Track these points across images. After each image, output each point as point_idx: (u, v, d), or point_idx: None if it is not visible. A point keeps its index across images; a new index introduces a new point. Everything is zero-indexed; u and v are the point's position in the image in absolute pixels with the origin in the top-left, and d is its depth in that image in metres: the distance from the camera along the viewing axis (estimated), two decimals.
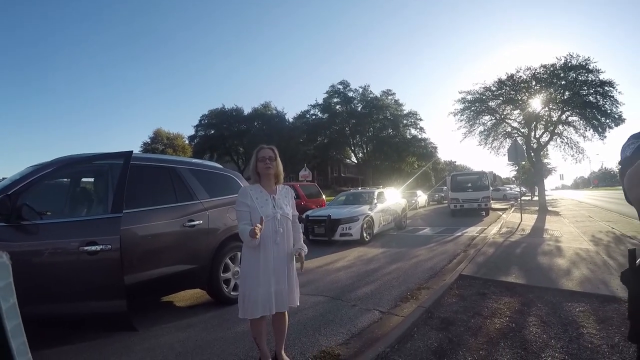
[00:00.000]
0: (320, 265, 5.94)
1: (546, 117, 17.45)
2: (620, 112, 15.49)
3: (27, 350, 0.72)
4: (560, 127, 17.41)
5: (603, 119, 15.74)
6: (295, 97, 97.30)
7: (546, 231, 8.95)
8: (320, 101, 40.21)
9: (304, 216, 8.45)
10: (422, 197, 23.97)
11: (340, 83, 39.36)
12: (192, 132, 44.00)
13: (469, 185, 15.53)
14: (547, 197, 18.88)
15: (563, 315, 3.23)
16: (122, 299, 2.60)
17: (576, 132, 17.08)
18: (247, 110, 43.02)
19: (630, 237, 7.38)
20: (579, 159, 17.69)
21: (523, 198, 20.91)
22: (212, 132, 42.31)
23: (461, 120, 19.09)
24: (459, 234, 9.50)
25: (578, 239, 7.42)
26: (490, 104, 18.42)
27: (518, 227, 9.96)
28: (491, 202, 15.92)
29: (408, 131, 40.43)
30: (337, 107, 40.23)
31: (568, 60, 15.95)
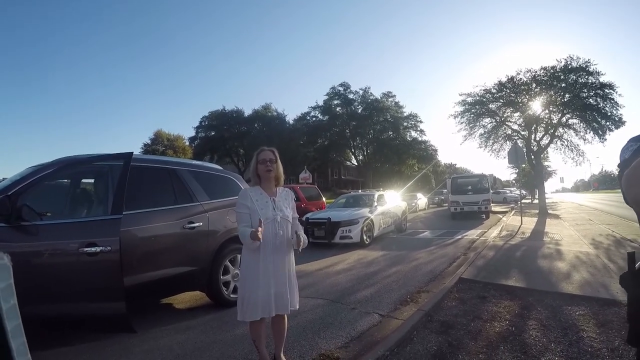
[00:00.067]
0: (320, 268, 5.93)
1: (546, 120, 17.48)
2: (621, 114, 15.55)
3: (26, 351, 0.73)
4: (560, 129, 17.45)
5: (603, 122, 15.76)
6: (296, 99, 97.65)
7: (546, 234, 8.94)
8: (321, 103, 40.39)
9: (304, 218, 8.44)
10: (422, 199, 23.95)
11: (341, 85, 39.52)
12: (192, 133, 44.19)
13: (469, 188, 15.53)
14: (547, 200, 18.89)
15: (563, 319, 3.22)
16: (122, 300, 2.59)
17: (576, 135, 17.13)
18: (247, 111, 43.17)
19: (631, 241, 7.37)
20: (579, 161, 17.75)
21: (523, 201, 20.92)
22: (213, 133, 42.39)
23: (461, 123, 19.15)
24: (459, 237, 9.49)
25: (578, 242, 7.41)
26: (490, 106, 18.45)
27: (518, 230, 9.95)
28: (491, 205, 15.91)
29: (408, 133, 40.52)
30: (338, 109, 40.33)
31: (568, 63, 16.00)
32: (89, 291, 2.62)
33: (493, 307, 3.65)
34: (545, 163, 25.62)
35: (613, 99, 15.45)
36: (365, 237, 8.23)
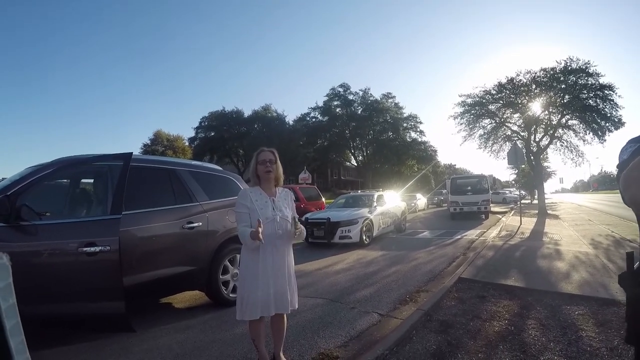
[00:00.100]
0: (320, 268, 5.93)
1: (546, 121, 17.51)
2: (620, 115, 15.59)
3: (25, 349, 0.73)
4: (560, 130, 17.48)
5: (603, 123, 15.79)
6: (296, 100, 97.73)
7: (545, 234, 8.95)
8: (321, 104, 40.42)
9: (303, 219, 8.45)
10: (421, 200, 23.96)
11: (341, 86, 39.56)
12: (192, 134, 44.12)
13: (469, 188, 15.53)
14: (546, 201, 18.91)
15: (562, 318, 3.23)
16: (121, 300, 2.59)
17: (576, 136, 17.17)
18: (247, 112, 43.15)
19: (630, 241, 7.38)
20: (578, 162, 17.77)
21: (522, 201, 20.93)
22: (212, 134, 42.37)
23: (461, 124, 19.18)
24: (459, 237, 9.50)
25: (577, 243, 7.42)
26: (490, 107, 18.48)
27: (517, 230, 9.96)
28: (491, 205, 15.92)
29: (408, 134, 40.56)
30: (337, 109, 40.36)
31: (568, 64, 16.03)
32: (88, 291, 2.62)
33: (492, 306, 3.65)
34: (545, 164, 25.69)
35: (613, 100, 15.49)
36: (364, 237, 8.23)
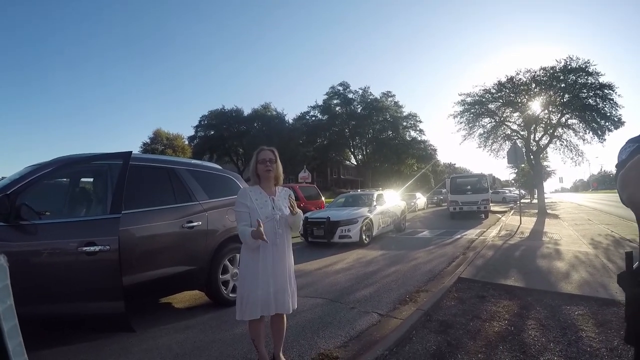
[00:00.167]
0: (319, 268, 5.93)
1: (546, 120, 17.50)
2: (620, 115, 15.59)
3: (23, 351, 0.72)
4: (559, 129, 17.47)
5: (602, 122, 15.79)
6: (296, 99, 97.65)
7: (545, 234, 8.96)
8: (320, 102, 40.40)
9: (303, 218, 8.43)
10: (421, 199, 23.97)
11: (340, 84, 39.54)
12: (191, 132, 44.07)
13: (469, 187, 15.54)
14: (546, 200, 18.91)
15: (562, 319, 3.23)
16: (120, 300, 2.58)
17: (575, 135, 17.17)
18: (247, 111, 43.12)
19: (630, 240, 7.38)
20: (578, 161, 17.77)
21: (522, 201, 20.93)
22: (212, 133, 42.32)
23: (461, 123, 19.16)
24: (458, 236, 9.50)
25: (577, 242, 7.42)
26: (489, 106, 18.46)
27: (517, 230, 9.96)
28: (490, 204, 15.93)
29: (408, 133, 40.56)
30: (337, 108, 40.34)
31: (568, 63, 16.02)
32: (87, 290, 2.61)
33: (492, 306, 3.65)
34: (545, 163, 25.68)
35: (612, 100, 15.48)
36: (364, 237, 8.23)
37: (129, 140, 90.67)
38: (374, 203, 9.57)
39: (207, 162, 4.69)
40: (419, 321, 3.25)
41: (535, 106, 17.22)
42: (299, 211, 2.31)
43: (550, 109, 16.96)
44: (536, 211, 16.43)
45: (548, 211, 16.60)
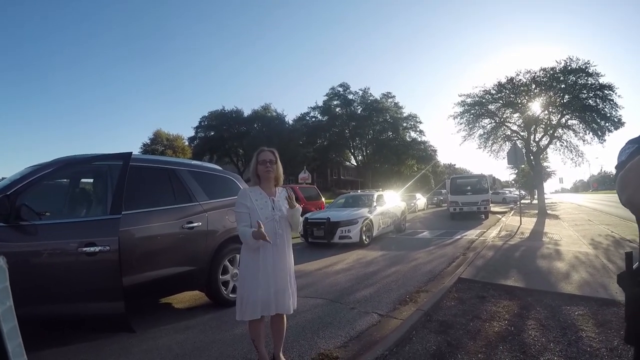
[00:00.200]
0: (319, 268, 5.93)
1: (546, 121, 17.51)
2: (620, 115, 15.60)
3: (22, 352, 0.72)
4: (559, 130, 17.48)
5: (602, 123, 15.80)
6: (296, 99, 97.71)
7: (545, 234, 8.95)
8: (320, 103, 40.45)
9: (303, 218, 8.45)
10: (421, 200, 23.96)
11: (340, 85, 39.58)
12: (191, 133, 44.06)
13: (469, 188, 15.54)
14: (546, 201, 18.91)
15: (562, 319, 3.22)
16: (120, 300, 2.59)
17: (576, 136, 17.18)
18: (247, 112, 43.11)
19: (630, 241, 7.38)
20: (578, 162, 17.78)
21: (522, 201, 20.94)
22: (212, 133, 42.32)
23: (461, 124, 19.18)
24: (458, 237, 9.50)
25: (577, 243, 7.42)
26: (489, 107, 18.47)
27: (517, 230, 9.96)
28: (490, 205, 15.92)
29: (408, 134, 40.61)
30: (337, 109, 40.39)
31: (568, 64, 16.03)
32: (87, 291, 2.61)
33: (492, 307, 3.65)
34: (545, 164, 25.72)
35: (612, 100, 15.49)
36: (364, 237, 8.23)
37: (129, 140, 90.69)
38: (374, 204, 9.57)
39: (207, 163, 4.69)
40: (419, 321, 3.25)
41: (535, 107, 17.26)
42: (298, 205, 2.31)
43: (550, 109, 16.98)
44: (536, 212, 16.43)
45: (548, 212, 16.59)
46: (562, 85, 16.22)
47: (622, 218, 11.93)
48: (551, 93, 16.54)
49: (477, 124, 19.01)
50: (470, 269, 5.29)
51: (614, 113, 15.54)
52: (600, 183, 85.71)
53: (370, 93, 39.78)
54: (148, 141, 46.38)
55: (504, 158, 17.52)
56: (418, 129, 40.34)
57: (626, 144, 1.12)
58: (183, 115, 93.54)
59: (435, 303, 3.75)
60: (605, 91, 15.45)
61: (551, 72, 16.40)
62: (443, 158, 63.36)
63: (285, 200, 2.35)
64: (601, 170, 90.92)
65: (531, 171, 22.40)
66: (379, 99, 39.66)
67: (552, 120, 17.34)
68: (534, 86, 16.94)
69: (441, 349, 2.71)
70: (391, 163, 38.78)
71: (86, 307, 2.62)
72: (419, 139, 40.30)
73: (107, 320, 2.70)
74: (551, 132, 17.40)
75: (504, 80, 17.59)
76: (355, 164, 42.65)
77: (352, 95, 39.72)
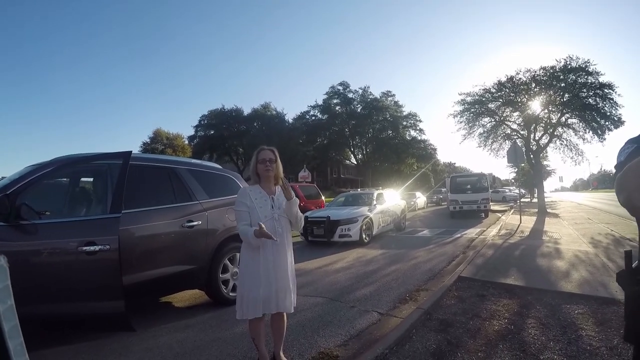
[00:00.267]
0: (319, 267, 5.93)
1: (546, 119, 17.49)
2: (620, 114, 15.58)
3: (24, 351, 0.72)
4: (559, 129, 17.47)
5: (602, 122, 15.78)
6: (296, 98, 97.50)
7: (545, 233, 8.96)
8: (320, 102, 40.40)
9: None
10: (421, 198, 23.98)
11: (340, 84, 39.53)
12: (191, 132, 44.04)
13: (468, 187, 15.54)
14: (546, 199, 18.92)
15: (562, 317, 3.23)
16: (121, 299, 2.59)
17: (575, 135, 17.16)
18: (246, 110, 43.09)
19: (629, 240, 7.39)
20: (578, 161, 17.77)
21: (522, 200, 20.94)
22: (212, 132, 42.29)
23: (461, 122, 19.16)
24: (458, 235, 9.51)
25: (577, 241, 7.43)
26: (489, 105, 18.45)
27: (517, 229, 9.97)
28: (490, 203, 15.93)
29: (408, 132, 40.58)
30: (337, 108, 40.34)
31: (568, 63, 16.01)
32: (88, 290, 2.62)
33: (492, 305, 3.65)
34: (545, 162, 25.68)
35: (612, 99, 15.48)
36: (364, 236, 8.23)
37: (129, 140, 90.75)
38: (374, 202, 9.57)
39: (207, 162, 4.69)
40: (419, 320, 3.25)
41: (535, 106, 17.24)
42: (295, 199, 2.30)
43: (550, 108, 16.96)
44: (536, 210, 16.44)
45: (548, 210, 16.61)
46: (562, 84, 16.20)
47: (622, 217, 11.94)
48: (551, 92, 16.53)
49: (477, 123, 19.00)
50: (470, 267, 5.30)
51: (613, 112, 15.54)
52: (600, 182, 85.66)
53: (370, 92, 39.79)
54: (148, 140, 46.45)
55: (503, 157, 17.50)
56: (418, 128, 40.36)
57: (625, 143, 1.12)
58: (183, 114, 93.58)
59: (435, 302, 3.76)
60: (605, 90, 15.44)
61: (551, 70, 16.38)
62: (443, 157, 63.58)
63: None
64: (601, 168, 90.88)
65: (531, 170, 22.43)
66: (378, 97, 39.63)
67: (552, 119, 17.33)
68: (534, 85, 16.92)
69: (441, 348, 2.72)
70: (391, 162, 38.78)
71: (86, 306, 2.62)
72: (419, 138, 40.32)
73: (108, 319, 2.70)
74: (551, 130, 17.39)
75: (504, 79, 17.59)
76: (355, 162, 42.65)
77: (352, 94, 39.70)
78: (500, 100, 18.05)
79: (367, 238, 8.36)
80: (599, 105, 15.67)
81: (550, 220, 12.24)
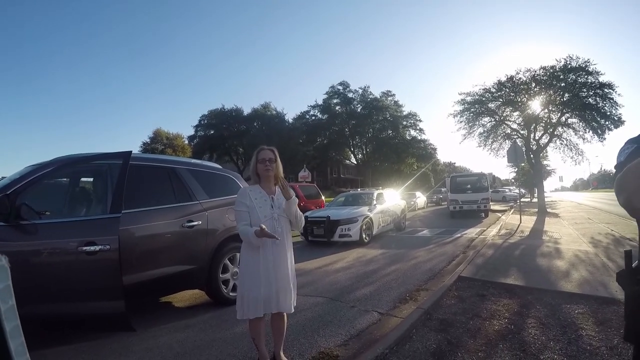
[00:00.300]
0: (319, 266, 5.94)
1: (546, 119, 17.48)
2: (620, 114, 15.57)
3: (25, 351, 0.73)
4: (559, 129, 17.46)
5: (602, 121, 15.77)
6: (296, 98, 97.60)
7: (545, 233, 8.96)
8: (320, 102, 40.42)
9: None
10: (421, 198, 23.97)
11: (340, 84, 39.54)
12: (191, 132, 44.08)
13: (469, 186, 15.55)
14: (546, 199, 18.91)
15: (562, 317, 3.23)
16: (121, 299, 2.59)
17: (575, 134, 17.15)
18: (246, 110, 43.12)
19: (629, 239, 7.39)
20: (578, 160, 17.75)
21: (522, 200, 20.94)
22: (212, 132, 42.30)
23: (461, 122, 19.14)
24: (458, 235, 9.51)
25: (577, 241, 7.43)
26: (489, 105, 18.44)
27: (517, 228, 9.97)
28: (490, 203, 15.93)
29: (407, 132, 40.60)
30: (337, 108, 40.36)
31: (568, 62, 16.00)
32: (88, 290, 2.62)
33: (492, 305, 3.66)
34: (545, 162, 25.67)
35: (612, 99, 15.47)
36: (364, 236, 8.23)
37: (129, 140, 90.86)
38: (374, 202, 9.57)
39: (207, 162, 4.69)
40: (419, 320, 3.25)
41: (535, 105, 17.22)
42: (294, 197, 2.30)
43: (550, 108, 16.95)
44: (536, 210, 16.44)
45: (548, 210, 16.60)
46: (562, 84, 16.20)
47: (622, 216, 11.94)
48: (551, 91, 16.52)
49: (477, 123, 18.99)
50: (470, 267, 5.30)
51: (613, 111, 15.54)
52: (600, 181, 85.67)
53: (370, 91, 39.82)
54: (148, 140, 46.40)
55: (503, 156, 17.50)
56: (418, 127, 40.38)
57: (625, 143, 1.12)
58: (183, 114, 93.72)
59: (436, 301, 3.76)
60: (605, 90, 15.43)
61: (551, 70, 16.37)
62: (443, 156, 63.54)
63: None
64: (601, 168, 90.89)
65: (531, 169, 22.42)
66: (378, 97, 39.65)
67: (552, 119, 17.32)
68: (534, 84, 16.92)
69: (441, 348, 2.72)
70: (391, 161, 38.79)
71: (86, 306, 2.62)
72: (419, 137, 40.34)
73: (108, 319, 2.70)
74: (551, 130, 17.38)
75: (504, 79, 17.57)
76: (355, 162, 42.65)
77: (352, 94, 39.73)
78: (500, 100, 18.04)
79: (367, 238, 8.36)
80: (599, 105, 15.66)
81: (550, 220, 12.24)
